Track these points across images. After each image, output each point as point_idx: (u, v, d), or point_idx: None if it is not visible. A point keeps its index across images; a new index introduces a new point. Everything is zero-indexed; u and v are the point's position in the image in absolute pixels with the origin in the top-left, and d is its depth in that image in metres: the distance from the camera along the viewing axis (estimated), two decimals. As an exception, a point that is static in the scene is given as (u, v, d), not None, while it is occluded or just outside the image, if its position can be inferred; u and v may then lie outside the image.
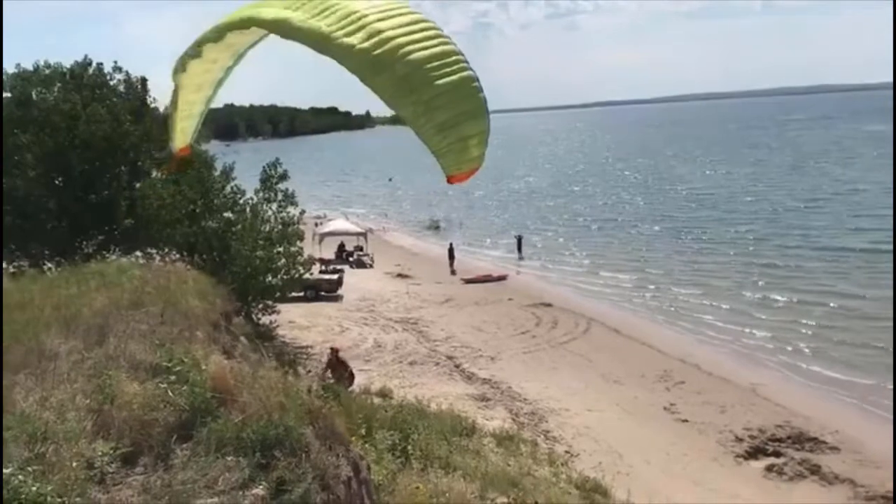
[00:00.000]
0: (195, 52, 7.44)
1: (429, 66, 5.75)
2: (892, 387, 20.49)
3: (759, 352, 24.95)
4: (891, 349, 22.79)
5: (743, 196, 59.91)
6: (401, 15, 6.01)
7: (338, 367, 16.40)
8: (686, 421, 19.30)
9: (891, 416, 18.78)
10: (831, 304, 28.97)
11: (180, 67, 7.83)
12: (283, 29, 6.17)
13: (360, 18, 5.81)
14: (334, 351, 17.30)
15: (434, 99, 5.74)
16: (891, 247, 34.24)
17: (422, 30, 5.97)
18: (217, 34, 7.06)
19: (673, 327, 28.29)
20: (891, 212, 42.54)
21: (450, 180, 6.16)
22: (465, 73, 5.91)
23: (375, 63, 5.66)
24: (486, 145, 6.15)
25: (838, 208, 50.19)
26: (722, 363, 23.81)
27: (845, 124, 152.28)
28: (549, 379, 21.99)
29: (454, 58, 5.94)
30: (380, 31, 5.72)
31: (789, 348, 24.96)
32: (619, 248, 43.80)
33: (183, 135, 8.62)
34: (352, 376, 16.56)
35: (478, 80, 6.07)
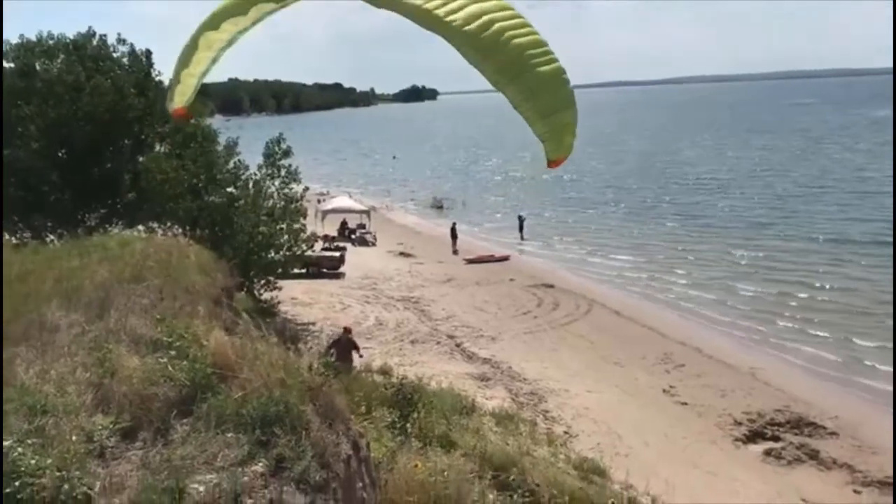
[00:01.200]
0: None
1: (530, 52, 6.03)
2: (891, 373, 20.50)
3: (758, 336, 24.92)
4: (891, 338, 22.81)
5: (748, 181, 59.58)
6: (495, 1, 6.24)
7: (348, 347, 16.32)
8: (685, 404, 19.34)
9: (890, 403, 18.81)
10: (833, 291, 28.91)
11: (207, 26, 7.76)
12: (391, 3, 6.25)
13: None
14: (347, 331, 17.14)
15: (536, 86, 6.03)
16: (891, 236, 34.12)
17: (515, 16, 6.21)
18: None
19: (674, 310, 28.26)
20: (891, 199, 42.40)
21: (550, 164, 6.42)
22: (557, 64, 6.19)
23: (482, 46, 5.92)
24: (575, 135, 6.47)
25: (842, 196, 49.85)
26: (722, 347, 23.82)
27: (853, 109, 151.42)
28: (549, 359, 22.03)
29: (546, 48, 6.21)
30: (482, 13, 5.96)
31: (789, 333, 24.94)
32: (622, 231, 43.67)
33: (182, 95, 8.51)
34: (352, 360, 16.37)
35: (565, 71, 6.32)
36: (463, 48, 6.01)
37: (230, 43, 8.51)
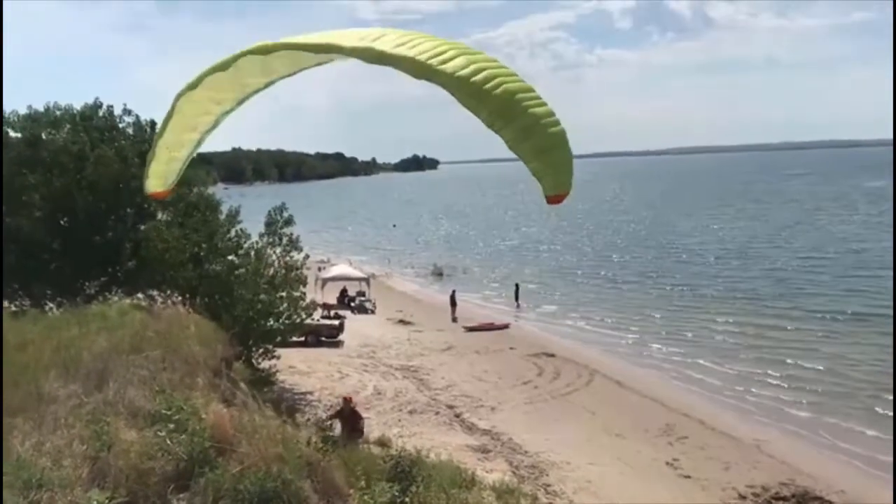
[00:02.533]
0: (223, 65, 7.52)
1: (521, 96, 6.29)
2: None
3: (762, 408, 24.62)
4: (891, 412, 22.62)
5: (744, 252, 59.46)
6: (478, 52, 6.56)
7: (350, 418, 15.99)
8: (689, 477, 18.99)
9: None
10: (833, 365, 28.52)
11: (190, 87, 7.89)
12: (374, 55, 6.47)
13: (449, 49, 6.36)
14: (347, 401, 16.72)
15: (530, 126, 6.27)
16: (889, 311, 34.00)
17: (502, 66, 6.51)
18: (263, 50, 7.23)
19: (676, 381, 27.99)
20: (890, 272, 42.35)
21: (549, 201, 6.59)
22: (548, 107, 6.46)
23: (477, 91, 6.17)
24: (572, 173, 6.68)
25: (837, 269, 49.48)
26: (725, 418, 23.53)
27: (847, 180, 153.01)
28: (550, 431, 21.72)
29: (535, 93, 6.48)
30: (472, 62, 6.26)
31: (793, 405, 24.64)
32: (620, 300, 43.50)
33: (164, 178, 8.64)
34: (361, 430, 16.09)
35: (554, 113, 6.57)
36: (459, 93, 6.21)
37: (215, 125, 8.69)
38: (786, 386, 26.39)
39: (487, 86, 6.13)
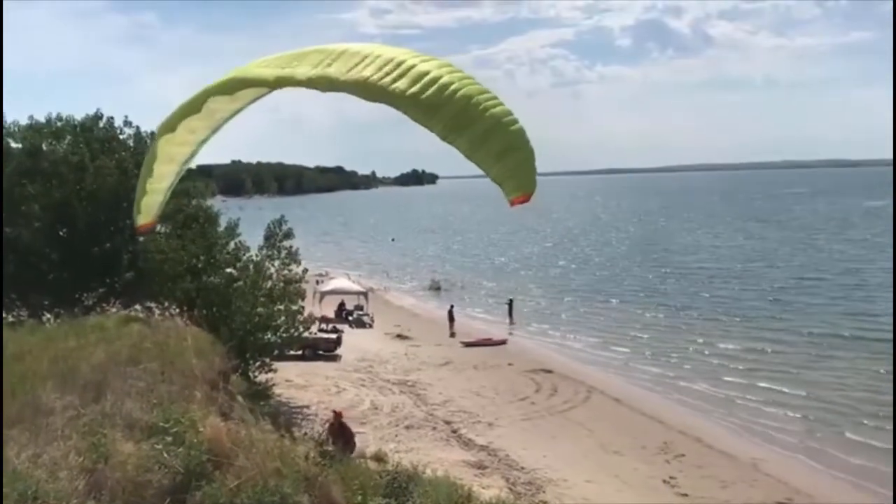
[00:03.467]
0: (195, 106, 7.63)
1: (476, 100, 6.17)
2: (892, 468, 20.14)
3: (759, 426, 24.56)
4: (890, 428, 22.56)
5: (743, 271, 59.22)
6: (433, 59, 6.46)
7: (340, 432, 16.00)
8: (686, 495, 18.92)
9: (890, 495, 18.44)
10: (829, 385, 28.42)
11: (166, 128, 8.03)
12: (325, 83, 6.47)
13: (400, 64, 6.24)
14: (337, 415, 16.79)
15: (486, 132, 6.16)
16: (883, 334, 33.94)
17: (456, 71, 6.40)
18: (226, 89, 7.28)
19: (673, 399, 27.94)
20: (888, 293, 42.29)
21: (512, 203, 6.43)
22: (503, 107, 6.33)
23: (427, 105, 6.09)
24: (535, 171, 6.51)
25: (834, 288, 49.28)
26: (723, 436, 23.48)
27: (845, 199, 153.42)
28: (547, 447, 21.64)
29: (491, 94, 6.37)
30: (424, 74, 6.16)
31: (790, 424, 24.60)
32: (618, 318, 43.37)
33: (148, 209, 8.76)
34: (353, 444, 16.11)
35: (512, 113, 6.44)
36: (410, 111, 6.18)
37: (193, 154, 8.81)
38: (783, 405, 26.33)
39: (439, 98, 6.07)
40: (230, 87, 7.30)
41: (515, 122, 6.36)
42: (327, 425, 17.02)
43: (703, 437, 23.11)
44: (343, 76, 6.36)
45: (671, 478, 19.91)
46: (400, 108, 6.27)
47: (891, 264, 50.28)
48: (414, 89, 6.08)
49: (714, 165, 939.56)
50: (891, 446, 21.42)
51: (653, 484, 19.56)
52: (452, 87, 6.15)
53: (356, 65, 6.35)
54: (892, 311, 37.46)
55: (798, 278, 54.13)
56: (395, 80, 6.15)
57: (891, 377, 27.25)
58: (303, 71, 6.66)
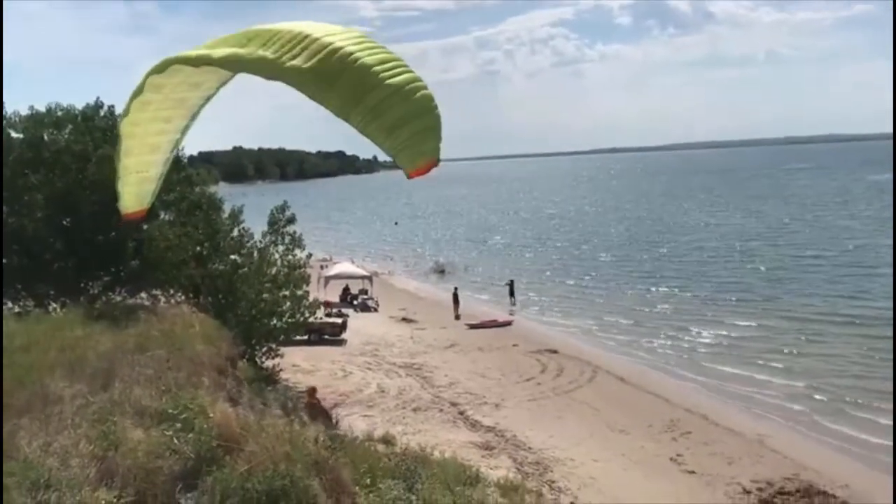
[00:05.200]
0: (141, 88, 7.63)
1: (372, 72, 5.97)
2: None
3: (765, 403, 24.63)
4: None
5: (745, 249, 58.96)
6: (343, 32, 6.31)
7: (320, 409, 16.12)
8: (693, 472, 18.99)
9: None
10: (834, 361, 28.43)
11: (127, 110, 8.04)
12: (233, 63, 6.41)
13: (304, 38, 6.11)
14: (310, 393, 16.90)
15: (380, 103, 5.95)
16: (885, 311, 33.82)
17: (362, 41, 6.23)
18: (161, 67, 7.26)
19: (679, 377, 28.01)
20: (888, 270, 42.05)
21: (410, 175, 6.26)
22: (407, 75, 6.12)
23: (322, 79, 5.94)
24: (440, 138, 6.30)
25: (836, 267, 48.49)
26: (729, 414, 23.53)
27: (848, 174, 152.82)
28: (554, 427, 21.74)
29: (395, 62, 6.16)
30: (325, 47, 5.99)
31: (796, 401, 24.64)
32: (621, 298, 43.39)
33: (140, 198, 8.77)
34: (331, 418, 16.18)
35: (420, 79, 6.26)
36: (304, 87, 6.02)
37: (177, 143, 8.83)
38: (787, 382, 26.37)
39: (334, 71, 5.89)
40: (164, 66, 7.25)
41: (418, 90, 6.15)
42: (305, 405, 17.06)
43: (708, 415, 23.17)
44: (248, 55, 6.27)
45: (678, 455, 19.98)
46: (297, 87, 6.10)
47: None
48: (310, 64, 5.94)
49: (716, 143, 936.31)
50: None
51: (659, 462, 19.64)
52: (350, 58, 5.96)
53: (266, 42, 6.25)
54: (892, 287, 37.34)
55: (799, 256, 53.91)
56: (293, 57, 6.01)
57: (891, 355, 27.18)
58: (220, 51, 6.59)
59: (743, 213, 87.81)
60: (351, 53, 5.97)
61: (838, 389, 25.18)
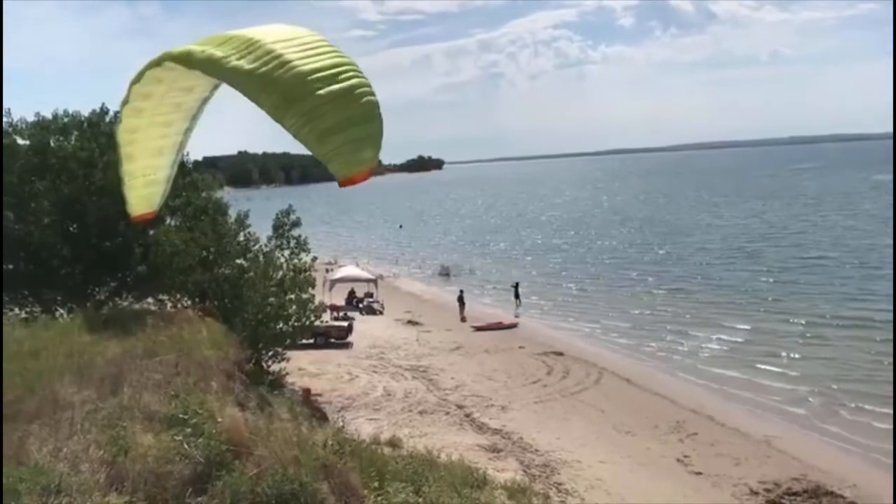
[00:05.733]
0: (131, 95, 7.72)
1: (311, 78, 5.91)
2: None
3: (771, 404, 24.59)
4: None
5: (749, 250, 58.56)
6: (297, 38, 6.27)
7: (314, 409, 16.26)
8: (700, 473, 18.99)
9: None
10: (840, 362, 28.36)
11: (120, 119, 8.14)
12: (186, 62, 6.43)
13: (254, 42, 6.13)
14: (306, 393, 17.09)
15: (315, 109, 5.86)
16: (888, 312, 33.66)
17: (312, 47, 6.17)
18: (138, 77, 7.35)
19: (685, 378, 27.97)
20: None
21: (342, 184, 6.15)
22: (350, 82, 6.02)
23: (257, 82, 5.93)
24: (379, 147, 6.20)
25: (842, 268, 48.24)
26: (735, 414, 23.50)
27: (854, 173, 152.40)
28: (560, 429, 21.75)
29: (341, 68, 6.07)
30: (269, 52, 6.00)
31: (803, 401, 24.62)
32: (626, 299, 43.30)
33: (148, 200, 8.83)
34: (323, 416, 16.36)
35: (367, 86, 6.15)
36: (242, 88, 6.01)
37: (181, 145, 8.89)
38: (795, 382, 26.33)
39: (270, 73, 5.86)
40: (139, 76, 7.35)
41: (359, 97, 6.03)
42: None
43: (715, 416, 23.15)
44: (200, 54, 6.30)
45: (684, 456, 19.99)
46: (235, 87, 6.13)
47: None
48: (248, 67, 5.95)
49: (719, 143, 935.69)
50: None
51: (666, 463, 19.64)
52: (289, 64, 5.92)
53: (220, 45, 6.29)
54: (892, 288, 37.18)
55: (804, 257, 53.60)
56: (237, 59, 6.03)
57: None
58: (178, 49, 6.64)
59: (747, 213, 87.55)
60: (290, 60, 5.93)
61: (845, 390, 25.12)
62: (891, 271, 42.02)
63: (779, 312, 36.80)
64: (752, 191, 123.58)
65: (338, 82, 5.96)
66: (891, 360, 27.25)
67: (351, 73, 6.09)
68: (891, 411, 22.63)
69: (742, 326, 34.47)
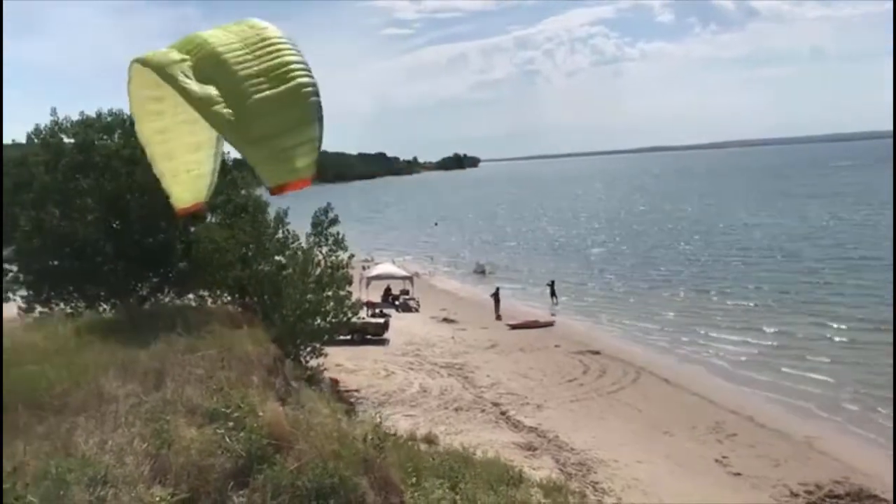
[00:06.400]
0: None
1: (247, 83, 5.75)
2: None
3: (813, 405, 24.21)
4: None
5: (789, 250, 57.59)
6: (245, 39, 6.15)
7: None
8: (739, 474, 18.78)
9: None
10: (887, 363, 27.76)
11: (138, 121, 8.18)
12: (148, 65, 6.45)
13: (202, 50, 6.06)
14: (334, 383, 17.31)
15: (247, 115, 5.67)
16: None
17: (259, 48, 6.00)
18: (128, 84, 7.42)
19: (723, 378, 27.66)
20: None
21: (272, 192, 5.97)
22: (287, 85, 5.80)
23: (197, 96, 5.82)
24: (316, 153, 5.90)
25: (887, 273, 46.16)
26: (775, 415, 23.19)
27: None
28: (597, 428, 21.65)
29: (282, 70, 5.86)
30: (216, 56, 5.92)
31: (845, 402, 24.20)
32: (663, 299, 42.84)
33: (195, 193, 8.89)
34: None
35: (308, 87, 5.88)
36: (187, 100, 5.88)
37: (220, 138, 8.90)
38: (836, 383, 25.89)
39: (210, 96, 5.68)
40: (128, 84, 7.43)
41: (293, 103, 5.81)
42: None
43: (755, 417, 22.88)
44: (150, 58, 6.30)
45: (723, 457, 19.78)
46: (187, 101, 5.98)
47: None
48: (190, 78, 5.85)
49: (759, 140, 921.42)
50: None
51: (704, 464, 19.45)
52: (235, 66, 5.79)
53: (179, 48, 6.28)
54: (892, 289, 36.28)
55: (846, 258, 52.44)
56: (179, 62, 5.95)
57: None
58: (145, 55, 6.65)
59: (786, 212, 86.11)
60: (231, 63, 5.78)
61: (884, 397, 24.59)
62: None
63: (818, 314, 36.09)
64: (792, 189, 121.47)
65: (270, 88, 5.75)
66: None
67: (294, 74, 5.87)
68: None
69: (780, 328, 33.97)
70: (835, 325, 33.55)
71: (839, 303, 38.13)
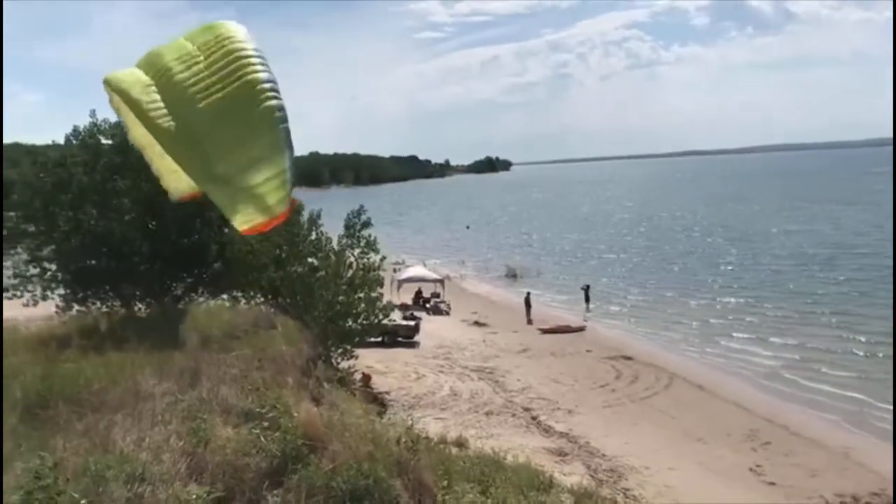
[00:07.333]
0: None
1: (209, 114, 5.54)
2: None
3: (850, 415, 23.78)
4: None
5: (827, 257, 56.66)
6: (207, 61, 5.96)
7: (368, 395, 16.56)
8: (773, 483, 18.53)
9: None
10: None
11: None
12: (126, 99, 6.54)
13: (165, 74, 5.97)
14: (366, 378, 17.37)
15: (211, 150, 5.49)
16: None
17: (220, 69, 5.76)
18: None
19: (758, 386, 27.28)
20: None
21: (244, 233, 5.72)
22: (252, 112, 5.46)
23: (151, 118, 5.78)
24: (287, 185, 5.49)
25: None
26: (811, 424, 22.83)
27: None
28: (629, 434, 21.48)
29: (245, 94, 5.56)
30: (175, 85, 5.76)
31: (883, 413, 23.71)
32: (698, 306, 42.35)
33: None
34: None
35: (275, 113, 5.48)
36: (150, 130, 5.67)
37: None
38: (875, 395, 25.37)
39: (170, 131, 5.51)
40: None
41: (260, 136, 5.43)
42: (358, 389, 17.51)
43: (790, 425, 22.55)
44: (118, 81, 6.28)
45: (757, 466, 19.53)
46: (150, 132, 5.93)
47: None
48: (159, 121, 5.75)
49: (797, 145, 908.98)
50: None
51: (738, 472, 19.21)
52: (193, 101, 5.53)
53: (149, 73, 6.26)
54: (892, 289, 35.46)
55: (880, 266, 51.06)
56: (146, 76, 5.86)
57: None
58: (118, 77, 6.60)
59: (822, 219, 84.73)
60: (187, 94, 5.51)
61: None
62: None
63: (853, 324, 35.32)
64: (829, 195, 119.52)
65: (240, 112, 5.42)
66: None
67: (260, 98, 5.50)
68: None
69: (815, 336, 33.39)
70: (868, 337, 32.79)
71: (873, 315, 37.29)
